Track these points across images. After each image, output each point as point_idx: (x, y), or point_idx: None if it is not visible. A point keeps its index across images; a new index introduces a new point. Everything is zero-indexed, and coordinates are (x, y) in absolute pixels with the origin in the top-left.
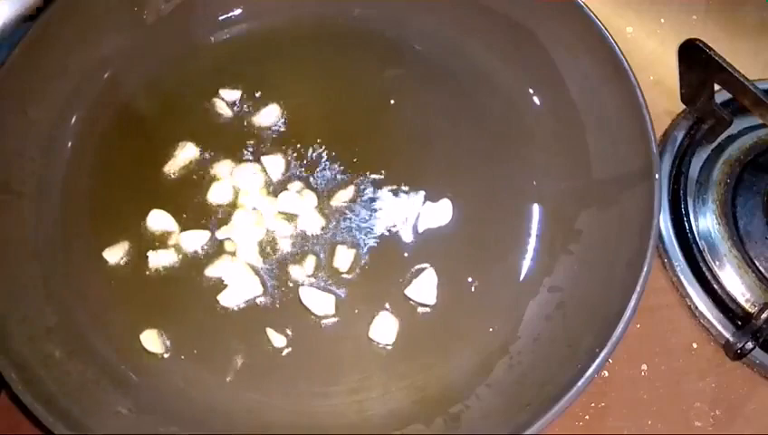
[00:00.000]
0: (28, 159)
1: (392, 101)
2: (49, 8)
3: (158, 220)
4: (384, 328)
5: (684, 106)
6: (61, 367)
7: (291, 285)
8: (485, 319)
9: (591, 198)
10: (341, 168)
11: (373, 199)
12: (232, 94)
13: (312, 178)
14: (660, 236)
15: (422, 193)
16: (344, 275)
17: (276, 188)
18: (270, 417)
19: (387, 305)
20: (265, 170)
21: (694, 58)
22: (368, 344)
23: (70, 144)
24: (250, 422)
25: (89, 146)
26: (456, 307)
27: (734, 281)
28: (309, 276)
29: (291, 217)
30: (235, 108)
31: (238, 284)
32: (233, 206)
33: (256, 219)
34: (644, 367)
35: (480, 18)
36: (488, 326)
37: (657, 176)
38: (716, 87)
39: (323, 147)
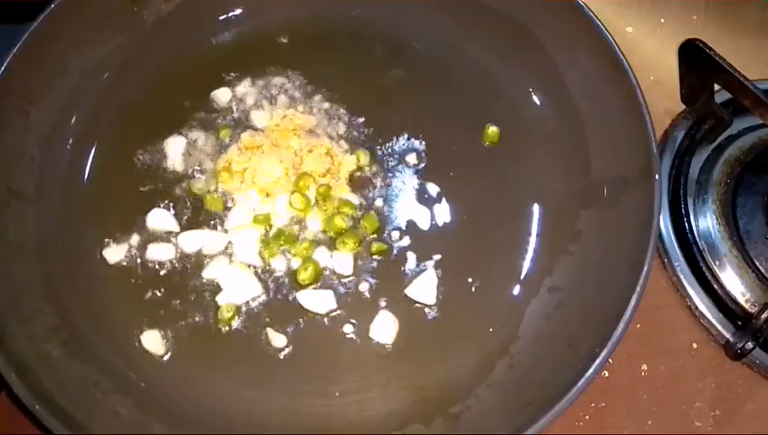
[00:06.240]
0: (28, 159)
1: (392, 101)
2: (49, 8)
3: (159, 219)
4: (384, 328)
5: (684, 106)
6: (61, 367)
7: (290, 285)
8: (485, 319)
9: (591, 198)
10: None
11: (373, 199)
12: (231, 94)
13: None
14: (660, 236)
15: (422, 194)
16: (344, 275)
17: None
18: (270, 417)
19: (387, 305)
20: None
21: (694, 58)
22: (368, 344)
23: (70, 144)
24: (250, 422)
25: (89, 146)
26: (456, 307)
27: (734, 281)
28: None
29: (290, 219)
30: (236, 108)
31: (236, 284)
32: (232, 206)
33: (255, 220)
34: (644, 367)
35: (480, 18)
36: (488, 326)
37: (657, 176)
38: (716, 87)
39: None
